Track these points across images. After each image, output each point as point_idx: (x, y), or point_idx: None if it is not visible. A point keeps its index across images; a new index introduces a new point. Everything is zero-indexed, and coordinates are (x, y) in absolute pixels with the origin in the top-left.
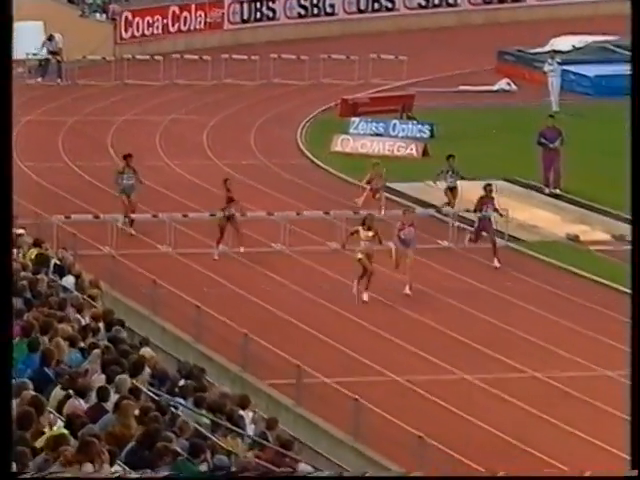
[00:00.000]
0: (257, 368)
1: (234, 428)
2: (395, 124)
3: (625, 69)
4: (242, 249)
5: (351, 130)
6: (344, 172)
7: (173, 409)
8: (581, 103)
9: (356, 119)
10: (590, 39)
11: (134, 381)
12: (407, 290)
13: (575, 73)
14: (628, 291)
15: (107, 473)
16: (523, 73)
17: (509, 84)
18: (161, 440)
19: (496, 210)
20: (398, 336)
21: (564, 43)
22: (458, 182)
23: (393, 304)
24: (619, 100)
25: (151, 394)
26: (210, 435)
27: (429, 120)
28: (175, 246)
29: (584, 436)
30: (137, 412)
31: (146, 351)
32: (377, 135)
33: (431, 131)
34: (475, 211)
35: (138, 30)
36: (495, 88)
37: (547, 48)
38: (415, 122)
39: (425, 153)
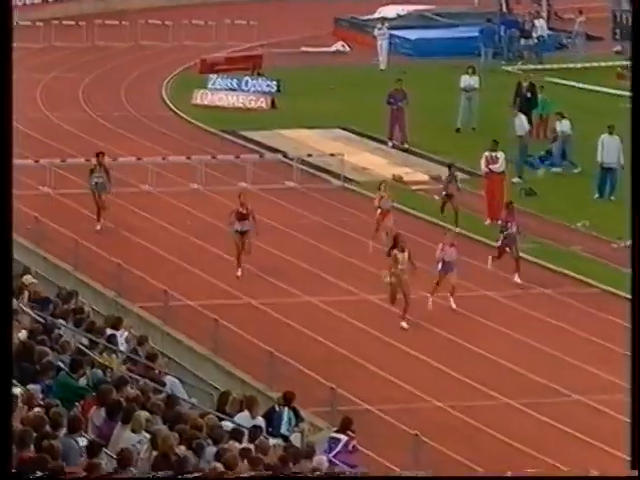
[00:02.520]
0: (130, 293)
1: (109, 345)
2: (247, 80)
3: (441, 34)
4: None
5: (209, 85)
6: (203, 122)
7: (56, 329)
8: (405, 62)
9: (213, 76)
10: (412, 8)
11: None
12: (453, 304)
13: (400, 37)
14: (442, 223)
15: None
16: (356, 37)
17: (344, 46)
18: (41, 356)
19: (518, 229)
20: (252, 264)
21: (390, 11)
22: (455, 190)
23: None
24: (436, 60)
25: (36, 316)
26: (89, 352)
27: (276, 77)
28: (55, 187)
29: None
30: (25, 332)
31: (26, 278)
32: (231, 90)
33: (278, 86)
34: (501, 231)
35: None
36: (332, 49)
37: (376, 15)
38: (264, 78)
39: (273, 105)
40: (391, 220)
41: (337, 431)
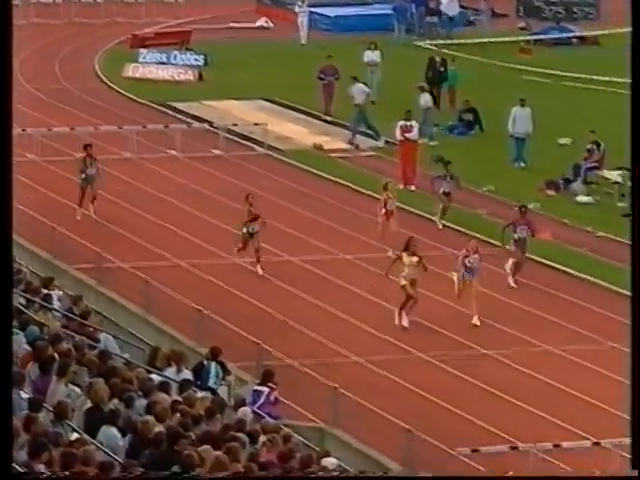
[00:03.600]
0: (65, 256)
1: (44, 304)
2: (176, 54)
3: (358, 11)
4: (259, 269)
5: (140, 59)
6: (134, 94)
7: None
8: (324, 37)
9: (144, 50)
10: None
11: None
12: (476, 320)
13: (319, 14)
14: (362, 190)
15: None
16: (278, 13)
17: (267, 22)
18: None
19: (532, 232)
20: (178, 227)
21: None
22: (452, 188)
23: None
24: (353, 35)
25: None
26: (25, 311)
27: (204, 51)
28: None
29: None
30: None
31: None
32: (161, 63)
33: (205, 60)
34: (504, 229)
35: None
36: (256, 25)
37: None
38: (192, 53)
39: (200, 78)
40: (395, 221)
41: (259, 384)
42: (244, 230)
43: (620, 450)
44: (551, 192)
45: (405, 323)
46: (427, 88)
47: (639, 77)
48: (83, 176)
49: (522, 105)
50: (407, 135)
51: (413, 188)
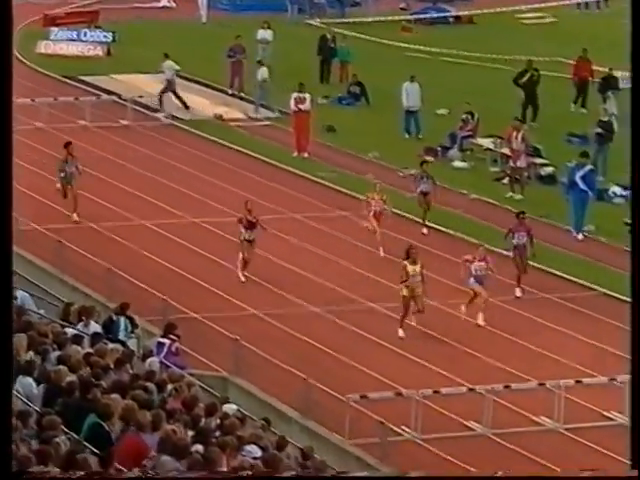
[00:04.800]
0: None
1: None
2: (85, 32)
3: None
4: (242, 278)
5: (51, 37)
6: (47, 69)
7: None
8: (223, 16)
9: (55, 29)
10: None
11: None
12: (481, 321)
13: None
14: (259, 156)
15: None
16: None
17: (169, 1)
18: None
19: (531, 239)
20: (87, 191)
21: None
22: (430, 187)
23: None
24: (251, 14)
25: None
26: None
27: (112, 29)
28: None
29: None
30: None
31: None
32: (72, 40)
33: (113, 37)
34: (506, 237)
35: None
36: (160, 5)
37: None
38: (101, 30)
39: (109, 53)
40: (383, 223)
41: (162, 336)
42: (241, 238)
43: (493, 395)
44: (430, 158)
45: (401, 334)
46: (264, 63)
47: (639, 76)
48: (62, 174)
49: (412, 80)
50: (300, 106)
51: (306, 155)
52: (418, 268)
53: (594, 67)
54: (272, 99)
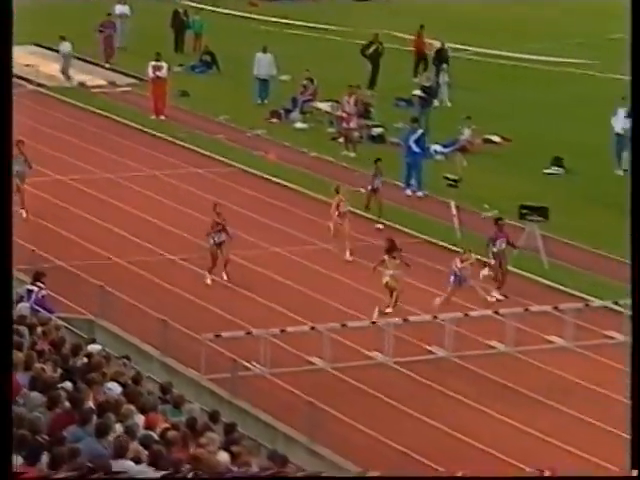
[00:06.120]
0: None
1: None
2: None
3: None
4: (225, 277)
5: None
6: None
7: None
8: None
9: None
10: None
11: None
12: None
13: None
14: (120, 120)
15: None
16: None
17: None
18: None
19: (511, 244)
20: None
21: None
22: (381, 184)
23: None
24: None
25: None
26: None
27: None
28: None
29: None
30: None
31: None
32: None
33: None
34: (488, 245)
35: None
36: None
37: None
38: None
39: None
40: (348, 222)
41: (31, 283)
42: (210, 241)
43: (333, 333)
44: (275, 120)
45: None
46: (67, 38)
47: (639, 74)
48: (14, 172)
49: (264, 51)
50: (158, 73)
51: (163, 118)
52: (398, 261)
53: (429, 41)
54: (131, 68)
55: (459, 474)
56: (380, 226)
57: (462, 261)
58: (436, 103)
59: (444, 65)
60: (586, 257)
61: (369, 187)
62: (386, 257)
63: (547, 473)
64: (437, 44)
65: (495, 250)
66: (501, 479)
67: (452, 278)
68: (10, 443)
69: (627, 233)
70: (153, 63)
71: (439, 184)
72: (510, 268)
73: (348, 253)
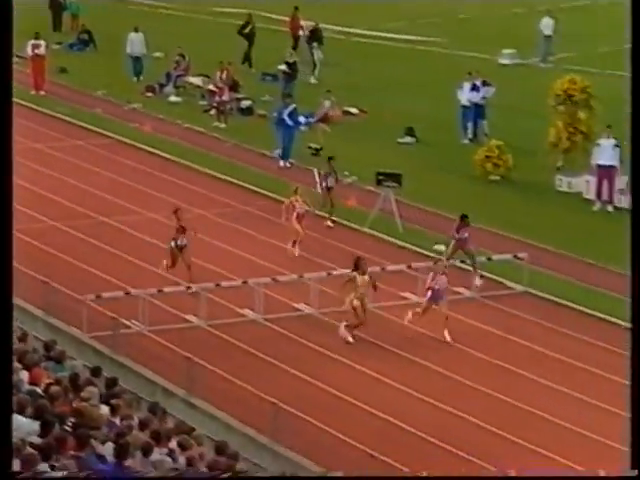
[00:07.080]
0: None
1: None
2: None
3: None
4: (192, 285)
5: None
6: None
7: None
8: None
9: None
10: None
11: None
12: (447, 336)
13: None
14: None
15: None
16: None
17: None
18: None
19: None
20: None
21: None
22: (334, 183)
23: None
24: None
25: None
26: None
27: None
28: None
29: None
30: None
31: None
32: None
33: None
34: (453, 236)
35: None
36: None
37: None
38: None
39: None
40: (304, 224)
41: None
42: (172, 244)
43: (206, 292)
44: (150, 94)
45: (350, 339)
46: None
47: (639, 72)
48: None
49: (136, 31)
50: (37, 51)
51: (43, 93)
52: (366, 279)
53: (303, 22)
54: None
55: (424, 474)
56: (330, 223)
57: (437, 273)
58: (313, 80)
59: (314, 43)
60: (433, 219)
61: (323, 184)
62: (355, 274)
63: (512, 473)
64: (311, 24)
65: (457, 237)
66: (481, 479)
67: (429, 294)
68: (10, 443)
69: (468, 195)
70: (32, 42)
71: (304, 152)
72: (367, 230)
73: (297, 249)
